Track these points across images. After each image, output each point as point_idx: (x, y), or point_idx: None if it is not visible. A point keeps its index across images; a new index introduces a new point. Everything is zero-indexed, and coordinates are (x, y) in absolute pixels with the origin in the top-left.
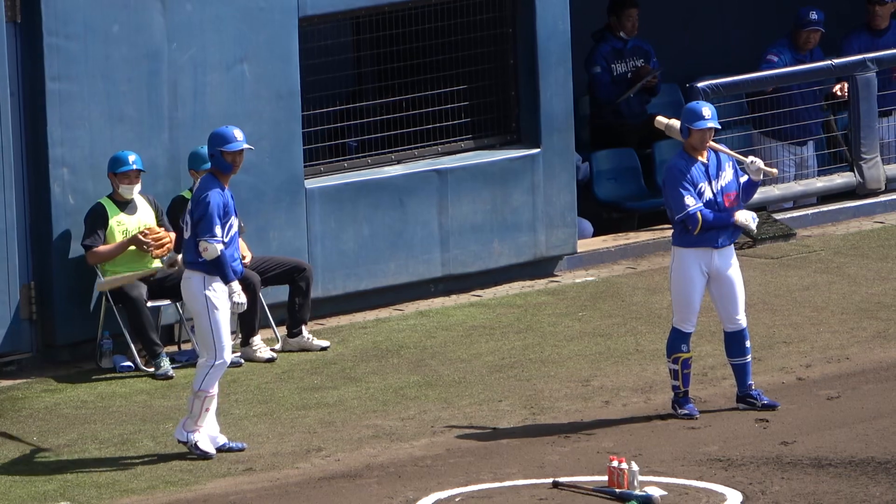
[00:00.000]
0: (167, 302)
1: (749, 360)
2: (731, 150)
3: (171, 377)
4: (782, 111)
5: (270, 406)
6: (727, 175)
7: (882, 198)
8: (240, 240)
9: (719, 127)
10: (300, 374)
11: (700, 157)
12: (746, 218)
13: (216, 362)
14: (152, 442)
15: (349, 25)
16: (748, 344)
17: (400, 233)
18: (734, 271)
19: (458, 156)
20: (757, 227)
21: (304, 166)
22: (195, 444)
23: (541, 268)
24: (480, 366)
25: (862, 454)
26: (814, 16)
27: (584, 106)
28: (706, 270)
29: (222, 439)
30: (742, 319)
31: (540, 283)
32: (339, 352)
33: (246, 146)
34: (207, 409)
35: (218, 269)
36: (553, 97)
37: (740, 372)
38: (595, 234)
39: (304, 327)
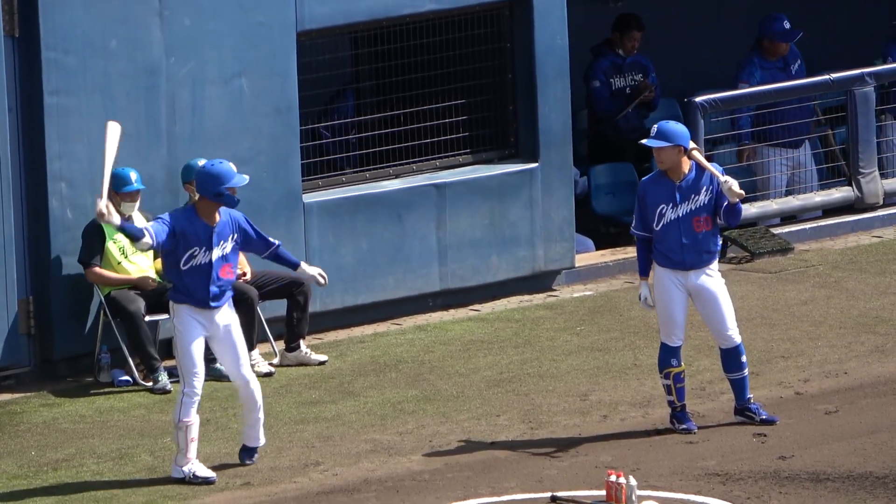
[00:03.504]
0: (165, 316)
1: (746, 374)
2: (729, 164)
3: (170, 391)
4: (768, 112)
5: (268, 420)
6: (701, 199)
7: (880, 212)
8: (240, 254)
9: (654, 145)
10: (298, 389)
11: (674, 178)
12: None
13: (185, 389)
14: (150, 456)
15: (347, 40)
16: (744, 359)
17: (398, 247)
18: (715, 288)
19: (457, 170)
20: (755, 241)
21: (302, 181)
22: (193, 473)
23: (539, 282)
24: (479, 380)
25: (860, 469)
26: (787, 25)
27: (581, 120)
28: (684, 287)
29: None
30: (734, 335)
31: (538, 298)
32: (337, 366)
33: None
34: (193, 440)
35: (124, 231)
36: (551, 112)
37: (738, 386)
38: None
39: (302, 342)
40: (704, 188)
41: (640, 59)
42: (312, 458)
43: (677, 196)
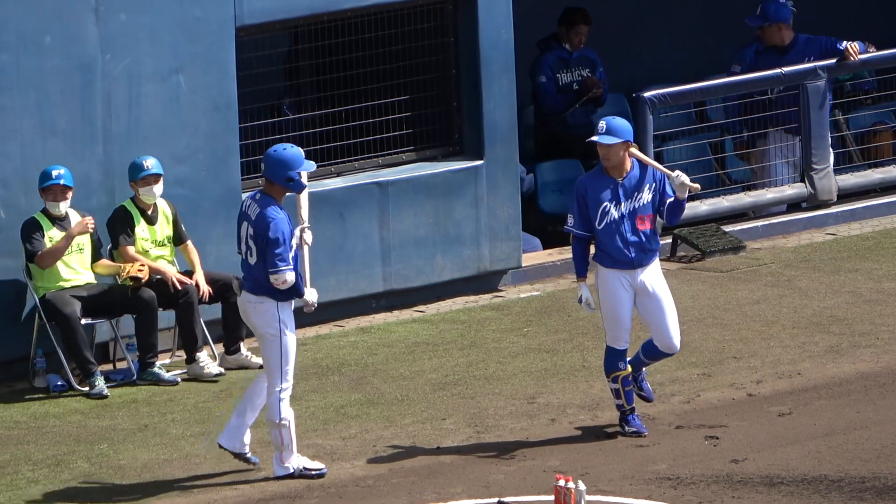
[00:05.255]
0: (102, 319)
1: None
2: (679, 159)
3: (106, 396)
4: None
5: (208, 426)
6: (644, 196)
7: (833, 209)
8: (194, 254)
9: (606, 142)
10: (239, 393)
11: (615, 176)
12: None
13: (283, 386)
14: (87, 463)
15: (287, 35)
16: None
17: (340, 247)
18: (661, 290)
19: (400, 168)
20: (706, 239)
21: (242, 179)
22: (302, 468)
23: (485, 282)
24: (423, 383)
25: (814, 472)
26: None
27: (528, 116)
28: (631, 287)
29: (245, 448)
30: (677, 343)
31: (484, 298)
32: None
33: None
34: (293, 434)
35: (293, 290)
36: (496, 107)
37: (642, 365)
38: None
39: (241, 344)
40: (648, 186)
41: (587, 54)
42: None
43: (621, 194)
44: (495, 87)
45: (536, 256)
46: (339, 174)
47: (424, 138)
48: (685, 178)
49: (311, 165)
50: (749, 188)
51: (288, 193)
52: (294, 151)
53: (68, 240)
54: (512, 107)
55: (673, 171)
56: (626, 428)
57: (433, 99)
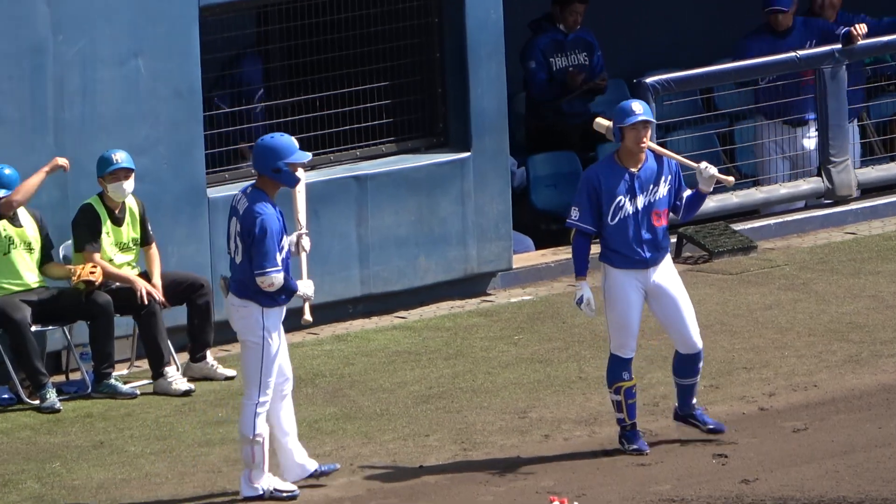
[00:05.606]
0: (53, 326)
1: (697, 380)
2: (685, 151)
3: (59, 410)
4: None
5: (169, 442)
6: (660, 190)
7: (853, 206)
8: (155, 258)
9: (652, 120)
10: (203, 407)
11: (630, 166)
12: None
13: (260, 399)
14: (37, 483)
15: (255, 15)
16: (700, 365)
17: (314, 247)
18: (676, 287)
19: (379, 160)
20: (714, 239)
21: (207, 173)
22: (273, 489)
23: (472, 286)
24: (405, 396)
25: (832, 493)
26: None
27: (519, 104)
28: (643, 288)
29: (313, 464)
30: (698, 340)
31: (471, 303)
32: None
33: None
34: (265, 453)
35: (284, 291)
36: (484, 94)
37: (686, 392)
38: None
39: (207, 352)
40: (664, 179)
41: (583, 36)
42: (219, 484)
43: (637, 186)
44: (483, 72)
45: (528, 257)
46: (313, 167)
47: (406, 128)
48: (714, 171)
49: (305, 156)
50: (759, 183)
51: (282, 188)
52: (284, 140)
53: (40, 175)
54: (501, 94)
55: (699, 162)
56: (627, 445)
57: (415, 85)
